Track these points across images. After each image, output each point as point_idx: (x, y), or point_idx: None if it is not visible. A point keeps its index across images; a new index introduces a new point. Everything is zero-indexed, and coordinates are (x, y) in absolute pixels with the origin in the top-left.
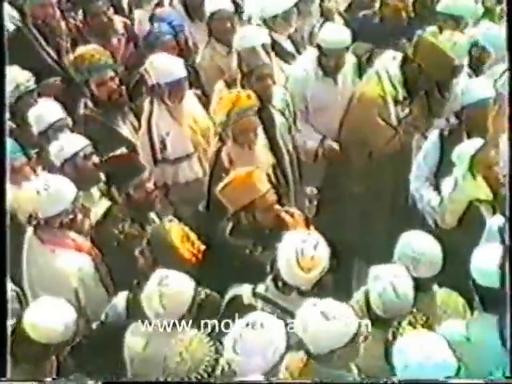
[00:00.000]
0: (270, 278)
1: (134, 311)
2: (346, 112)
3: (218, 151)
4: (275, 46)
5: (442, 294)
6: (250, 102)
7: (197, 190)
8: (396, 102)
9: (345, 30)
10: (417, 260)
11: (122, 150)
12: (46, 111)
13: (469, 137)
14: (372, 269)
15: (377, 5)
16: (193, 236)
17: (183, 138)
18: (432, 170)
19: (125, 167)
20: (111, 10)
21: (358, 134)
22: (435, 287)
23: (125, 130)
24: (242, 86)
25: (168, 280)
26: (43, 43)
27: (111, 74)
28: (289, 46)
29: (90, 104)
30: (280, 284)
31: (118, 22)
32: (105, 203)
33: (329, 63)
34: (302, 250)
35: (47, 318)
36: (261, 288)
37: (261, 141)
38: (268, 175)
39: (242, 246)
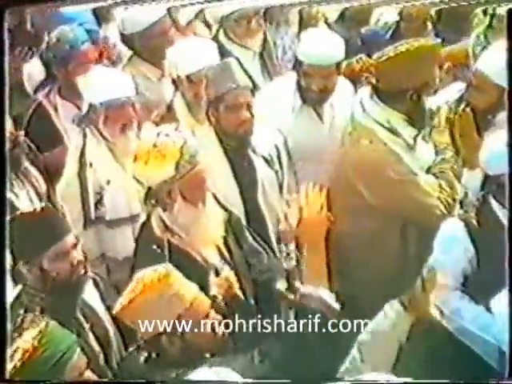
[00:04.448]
0: None
1: None
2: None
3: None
4: None
5: None
6: (199, 137)
7: None
8: (409, 146)
9: (336, 38)
10: None
11: (35, 206)
12: None
13: None
14: None
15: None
16: None
17: (128, 189)
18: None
19: (38, 230)
20: None
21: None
22: None
23: (21, 197)
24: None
25: None
26: None
27: None
28: (254, 66)
29: None
30: None
31: None
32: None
33: (311, 86)
34: None
35: None
36: None
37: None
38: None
39: None
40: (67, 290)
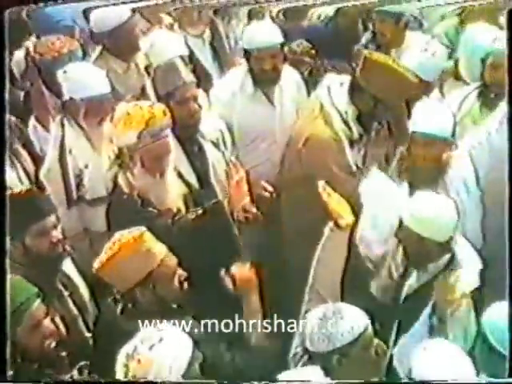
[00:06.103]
0: None
1: None
2: (287, 156)
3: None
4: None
5: None
6: (166, 119)
7: None
8: (352, 142)
9: (274, 27)
10: None
11: (21, 187)
12: None
13: None
14: None
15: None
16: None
17: (104, 171)
18: None
19: (24, 209)
20: None
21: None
22: None
23: (11, 176)
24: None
25: None
26: None
27: None
28: (208, 58)
29: None
30: None
31: None
32: None
33: (262, 67)
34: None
35: None
36: None
37: (171, 168)
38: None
39: None
40: (46, 264)
